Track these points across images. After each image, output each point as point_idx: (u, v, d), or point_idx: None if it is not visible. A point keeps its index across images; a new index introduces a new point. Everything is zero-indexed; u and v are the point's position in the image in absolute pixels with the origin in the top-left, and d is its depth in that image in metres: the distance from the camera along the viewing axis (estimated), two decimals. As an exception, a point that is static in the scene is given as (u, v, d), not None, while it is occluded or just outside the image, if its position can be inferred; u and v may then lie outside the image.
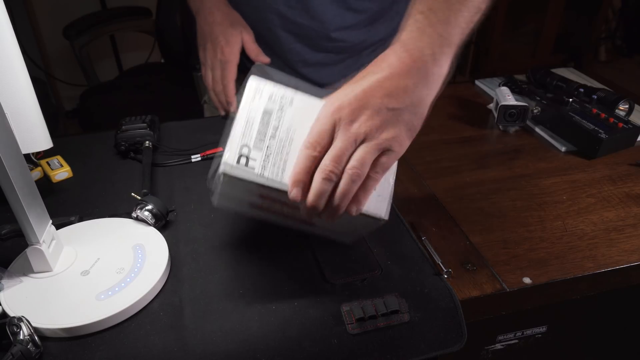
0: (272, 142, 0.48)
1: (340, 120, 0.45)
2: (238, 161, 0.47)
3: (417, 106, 0.48)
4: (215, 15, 0.86)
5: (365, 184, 0.46)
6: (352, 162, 0.45)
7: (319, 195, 0.46)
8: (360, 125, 0.45)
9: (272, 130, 0.48)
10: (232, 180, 0.48)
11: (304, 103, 0.49)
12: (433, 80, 0.48)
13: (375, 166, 0.46)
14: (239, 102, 0.50)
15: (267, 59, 0.87)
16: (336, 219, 0.48)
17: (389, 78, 0.47)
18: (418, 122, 0.48)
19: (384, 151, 0.47)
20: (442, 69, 0.49)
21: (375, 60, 0.49)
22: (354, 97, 0.46)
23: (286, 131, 0.49)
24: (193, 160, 0.77)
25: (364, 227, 0.55)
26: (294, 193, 0.46)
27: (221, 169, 0.47)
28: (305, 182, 0.46)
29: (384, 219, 0.50)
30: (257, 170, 0.47)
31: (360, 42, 0.93)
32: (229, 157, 0.47)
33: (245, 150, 0.47)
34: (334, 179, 0.45)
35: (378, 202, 0.50)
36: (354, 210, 0.47)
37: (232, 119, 0.50)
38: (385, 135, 0.46)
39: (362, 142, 0.46)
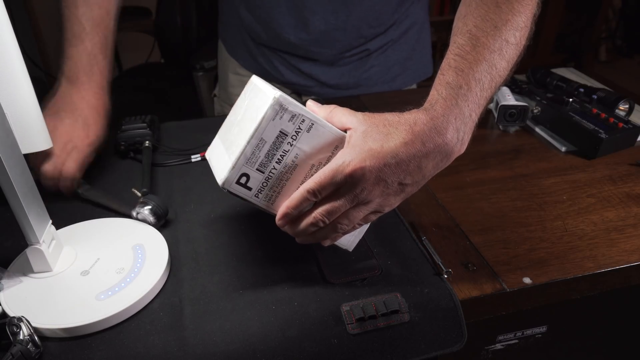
0: (276, 166, 0.48)
1: (355, 177, 0.45)
2: (238, 181, 0.48)
3: (424, 181, 0.49)
4: (75, 88, 0.70)
5: (346, 231, 0.50)
6: (345, 219, 0.48)
7: (302, 233, 0.49)
8: (367, 194, 0.46)
9: (281, 154, 0.48)
10: (230, 192, 0.49)
11: (321, 132, 0.48)
12: (450, 159, 0.48)
13: (362, 220, 0.49)
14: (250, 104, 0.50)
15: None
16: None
17: (411, 151, 0.45)
18: (415, 191, 0.49)
19: (380, 213, 0.49)
20: (463, 148, 0.48)
21: (404, 118, 0.47)
22: (371, 167, 0.44)
23: (294, 158, 0.49)
24: (193, 160, 0.77)
25: None
26: (280, 223, 0.50)
27: (220, 182, 0.48)
28: (294, 217, 0.49)
29: (348, 250, 0.56)
30: (253, 191, 0.49)
31: (353, 56, 0.94)
32: (230, 175, 0.48)
33: (248, 170, 0.48)
34: (321, 226, 0.48)
35: (351, 237, 0.55)
36: (326, 244, 0.51)
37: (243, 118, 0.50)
38: (389, 204, 0.48)
39: (361, 203, 0.47)
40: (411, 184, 0.47)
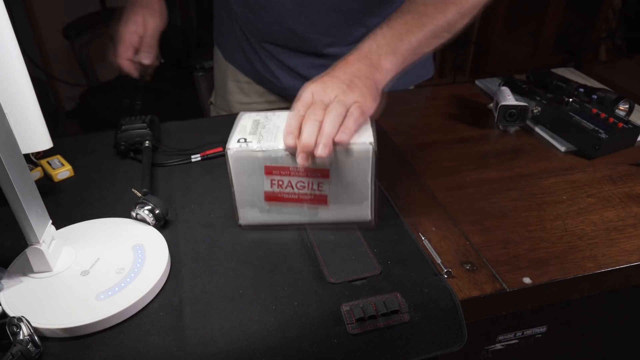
0: (263, 130, 0.59)
1: (316, 90, 0.58)
2: (238, 141, 0.57)
3: (368, 79, 0.61)
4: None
5: (345, 121, 0.56)
6: (330, 107, 0.57)
7: (309, 133, 0.54)
8: (331, 90, 0.58)
9: (262, 127, 0.60)
10: (238, 161, 0.57)
11: (284, 114, 0.61)
12: (377, 69, 0.62)
13: (350, 111, 0.57)
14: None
15: (148, 60, 0.94)
16: (328, 154, 0.54)
17: (345, 64, 0.62)
18: (374, 92, 0.61)
19: (353, 104, 0.58)
20: (384, 65, 0.63)
21: (344, 60, 0.63)
22: (324, 76, 0.60)
23: (273, 125, 0.60)
24: (193, 160, 0.77)
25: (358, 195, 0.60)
26: (288, 140, 0.55)
27: (227, 154, 0.56)
28: (296, 134, 0.55)
29: (371, 148, 0.56)
30: (254, 145, 0.56)
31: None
32: (231, 144, 0.57)
33: (242, 139, 0.58)
34: (319, 120, 0.55)
35: (361, 133, 0.57)
36: (344, 138, 0.55)
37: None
38: (350, 97, 0.58)
39: (332, 102, 0.57)
40: (356, 79, 0.60)
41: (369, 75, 0.61)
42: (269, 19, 0.90)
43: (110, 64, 0.93)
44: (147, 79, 0.97)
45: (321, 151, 0.53)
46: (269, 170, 0.58)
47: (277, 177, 0.58)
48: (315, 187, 0.59)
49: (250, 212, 0.61)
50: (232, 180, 0.59)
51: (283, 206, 0.60)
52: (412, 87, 1.06)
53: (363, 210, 0.60)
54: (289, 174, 0.58)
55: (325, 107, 0.56)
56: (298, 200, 0.60)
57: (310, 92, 0.58)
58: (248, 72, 1.00)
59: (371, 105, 0.60)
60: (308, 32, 0.90)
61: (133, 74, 0.94)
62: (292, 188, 0.59)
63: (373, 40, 0.63)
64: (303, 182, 0.58)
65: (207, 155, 0.77)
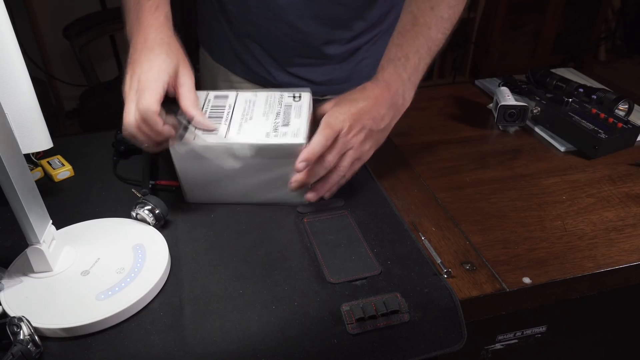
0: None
1: (346, 124, 0.61)
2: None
3: (387, 130, 0.67)
4: (150, 36, 0.64)
5: (341, 179, 0.65)
6: (343, 163, 0.63)
7: (316, 176, 0.62)
8: (352, 138, 0.62)
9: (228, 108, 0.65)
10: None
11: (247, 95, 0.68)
12: (400, 112, 0.68)
13: (351, 168, 0.65)
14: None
15: (208, 125, 0.61)
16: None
17: (374, 106, 0.64)
18: (382, 141, 0.67)
19: (359, 161, 0.65)
20: (407, 103, 0.68)
21: (364, 88, 0.66)
22: (351, 115, 0.62)
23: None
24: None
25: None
26: (301, 165, 0.59)
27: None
28: (312, 160, 0.60)
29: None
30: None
31: (344, 53, 0.94)
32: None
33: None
34: (330, 168, 0.62)
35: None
36: (326, 196, 0.66)
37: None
38: (364, 148, 0.64)
39: (349, 149, 0.63)
40: (378, 130, 0.65)
41: (391, 123, 0.67)
42: (269, 14, 0.89)
43: (110, 66, 0.80)
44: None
45: (314, 198, 0.65)
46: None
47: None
48: None
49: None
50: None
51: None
52: None
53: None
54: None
55: (342, 154, 0.62)
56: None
57: (341, 125, 0.61)
58: (240, 72, 1.00)
59: (370, 155, 0.66)
60: (309, 26, 0.89)
61: (174, 142, 0.61)
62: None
63: (396, 74, 0.66)
64: None
65: (160, 185, 0.70)
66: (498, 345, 0.64)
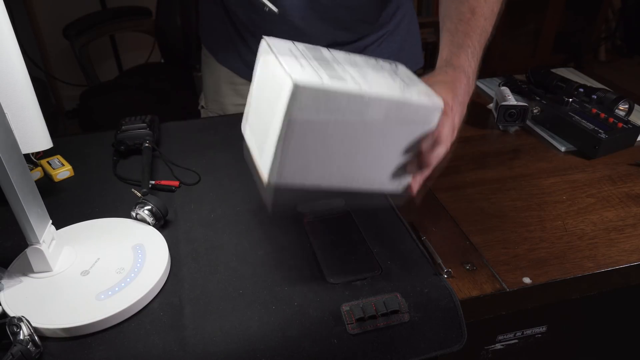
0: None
1: (450, 125, 0.54)
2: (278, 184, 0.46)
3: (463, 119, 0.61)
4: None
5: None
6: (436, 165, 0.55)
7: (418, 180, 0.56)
8: (454, 133, 0.56)
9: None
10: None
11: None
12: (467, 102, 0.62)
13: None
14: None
15: None
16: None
17: (465, 86, 0.59)
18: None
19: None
20: (473, 83, 0.63)
21: (449, 73, 0.61)
22: (455, 100, 0.56)
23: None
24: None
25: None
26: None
27: (265, 182, 0.45)
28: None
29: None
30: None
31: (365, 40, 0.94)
32: (271, 182, 0.45)
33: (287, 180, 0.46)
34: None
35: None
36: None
37: None
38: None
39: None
40: (461, 120, 0.58)
41: (464, 113, 0.61)
42: (273, 16, 0.89)
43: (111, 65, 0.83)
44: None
45: (416, 188, 0.56)
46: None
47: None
48: None
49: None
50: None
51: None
52: None
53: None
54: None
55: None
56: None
57: (451, 129, 0.55)
58: (245, 75, 0.99)
59: None
60: (313, 28, 0.89)
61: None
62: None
63: (468, 62, 0.63)
64: None
65: (160, 184, 0.70)
66: (498, 345, 0.64)
